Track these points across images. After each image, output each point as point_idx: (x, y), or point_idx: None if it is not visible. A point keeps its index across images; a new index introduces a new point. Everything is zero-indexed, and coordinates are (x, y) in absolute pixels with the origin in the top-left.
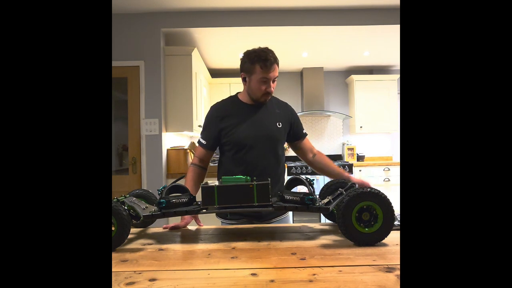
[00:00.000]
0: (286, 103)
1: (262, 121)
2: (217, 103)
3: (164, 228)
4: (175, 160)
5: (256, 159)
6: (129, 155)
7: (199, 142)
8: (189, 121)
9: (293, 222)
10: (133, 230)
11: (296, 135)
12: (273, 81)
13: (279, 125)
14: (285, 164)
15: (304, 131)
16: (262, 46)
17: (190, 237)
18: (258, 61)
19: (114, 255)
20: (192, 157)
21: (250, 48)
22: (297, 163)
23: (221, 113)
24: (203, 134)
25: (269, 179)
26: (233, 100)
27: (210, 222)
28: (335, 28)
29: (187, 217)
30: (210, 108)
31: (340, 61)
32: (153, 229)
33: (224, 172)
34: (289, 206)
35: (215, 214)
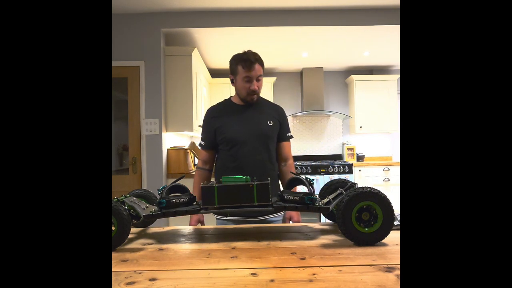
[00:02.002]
0: (278, 106)
1: (253, 119)
2: (212, 106)
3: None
4: (175, 160)
5: (248, 155)
6: (129, 155)
7: (200, 144)
8: (189, 121)
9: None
10: (133, 230)
11: (279, 136)
12: (258, 80)
13: (270, 123)
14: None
15: (288, 134)
16: (262, 46)
17: (190, 237)
18: (240, 62)
19: (114, 255)
20: (192, 157)
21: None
22: (297, 163)
23: (215, 114)
24: (202, 136)
25: (269, 178)
26: (226, 102)
27: (211, 221)
28: (335, 28)
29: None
30: (206, 111)
31: (340, 61)
32: (153, 229)
33: (219, 167)
34: (289, 206)
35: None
